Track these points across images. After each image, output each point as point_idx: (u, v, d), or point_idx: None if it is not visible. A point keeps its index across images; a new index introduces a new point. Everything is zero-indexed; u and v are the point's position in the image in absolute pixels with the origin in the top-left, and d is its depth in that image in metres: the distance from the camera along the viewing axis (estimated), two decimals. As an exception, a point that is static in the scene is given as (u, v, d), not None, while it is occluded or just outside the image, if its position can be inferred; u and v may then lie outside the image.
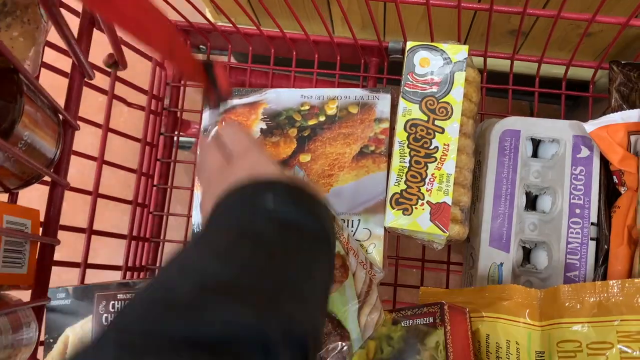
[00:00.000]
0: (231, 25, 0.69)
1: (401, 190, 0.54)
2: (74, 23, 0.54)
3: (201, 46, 0.76)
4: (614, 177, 0.56)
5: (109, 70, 0.65)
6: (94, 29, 0.59)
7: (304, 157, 0.59)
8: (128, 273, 0.67)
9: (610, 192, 0.56)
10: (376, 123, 0.59)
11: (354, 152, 0.59)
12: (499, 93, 0.74)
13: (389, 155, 0.57)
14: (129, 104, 0.67)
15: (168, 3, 0.66)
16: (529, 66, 0.68)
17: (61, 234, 0.55)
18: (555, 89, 0.67)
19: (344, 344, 0.45)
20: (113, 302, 0.55)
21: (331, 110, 0.61)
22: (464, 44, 0.56)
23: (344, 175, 0.58)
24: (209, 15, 0.86)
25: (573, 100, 0.88)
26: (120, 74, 0.67)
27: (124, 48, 0.65)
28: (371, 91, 0.60)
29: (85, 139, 0.64)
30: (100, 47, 0.62)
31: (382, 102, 0.60)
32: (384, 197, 0.56)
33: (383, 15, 0.84)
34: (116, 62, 0.64)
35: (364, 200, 0.56)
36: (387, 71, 0.71)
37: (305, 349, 0.27)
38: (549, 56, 0.64)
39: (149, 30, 0.36)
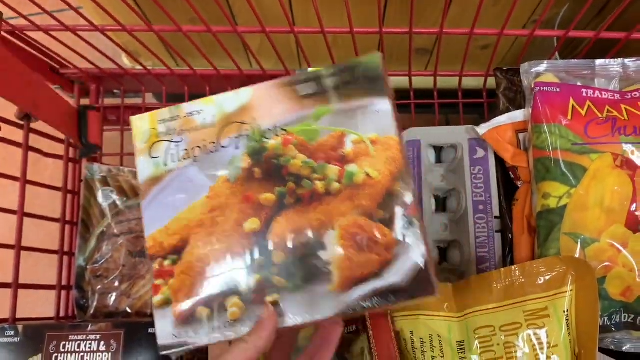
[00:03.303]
0: (142, 68, 0.71)
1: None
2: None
3: (115, 90, 0.78)
4: (510, 173, 0.61)
5: (22, 122, 0.65)
6: None
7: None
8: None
9: (509, 187, 0.61)
10: None
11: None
12: (425, 109, 0.78)
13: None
14: (45, 154, 0.68)
15: (76, 52, 0.68)
16: (449, 82, 0.74)
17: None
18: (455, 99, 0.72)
19: None
20: (64, 342, 0.56)
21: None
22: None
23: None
24: (125, 60, 0.88)
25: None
26: (36, 125, 0.67)
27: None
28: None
29: (10, 197, 0.64)
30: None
31: None
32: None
33: (296, 48, 0.88)
34: (27, 114, 0.64)
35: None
36: (298, 97, 0.75)
37: None
38: (451, 70, 0.70)
39: (9, 83, 0.35)
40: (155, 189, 0.45)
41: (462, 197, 0.60)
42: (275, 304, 0.42)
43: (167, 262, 0.44)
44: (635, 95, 0.56)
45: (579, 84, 0.58)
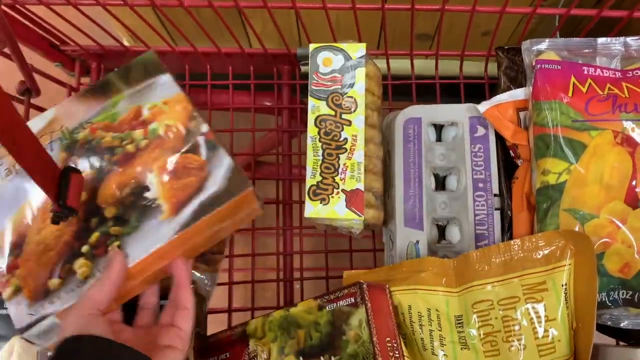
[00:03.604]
0: (143, 45, 0.71)
1: (317, 182, 0.57)
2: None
3: (116, 69, 0.78)
4: (510, 151, 0.61)
5: (22, 98, 0.65)
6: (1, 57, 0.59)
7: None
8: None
9: (509, 165, 0.61)
10: None
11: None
12: (426, 96, 0.78)
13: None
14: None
15: (77, 27, 0.67)
16: (450, 68, 0.73)
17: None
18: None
19: None
20: None
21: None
22: (382, 48, 0.60)
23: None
24: (126, 42, 0.88)
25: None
26: (35, 100, 0.67)
27: (36, 75, 0.66)
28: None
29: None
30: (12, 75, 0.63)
31: None
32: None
33: (297, 30, 0.88)
34: (28, 89, 0.64)
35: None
36: (299, 77, 0.75)
37: None
38: (449, 50, 0.70)
39: None
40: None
41: (462, 175, 0.60)
42: (119, 248, 0.49)
43: (10, 259, 0.51)
44: (637, 73, 0.56)
45: (580, 62, 0.58)
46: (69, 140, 0.54)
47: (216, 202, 0.49)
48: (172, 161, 0.52)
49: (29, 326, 0.48)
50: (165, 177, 0.51)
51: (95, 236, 0.50)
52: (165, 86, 0.55)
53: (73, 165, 0.51)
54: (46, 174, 0.46)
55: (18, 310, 0.49)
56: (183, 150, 0.52)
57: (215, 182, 0.50)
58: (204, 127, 0.52)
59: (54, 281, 0.49)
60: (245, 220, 0.55)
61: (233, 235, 0.81)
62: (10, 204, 0.53)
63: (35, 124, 0.56)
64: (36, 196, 0.53)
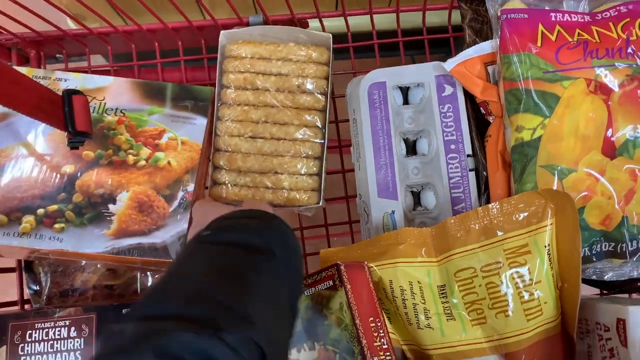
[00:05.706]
0: (82, 27, 0.66)
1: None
2: None
3: (58, 55, 0.72)
4: (481, 109, 0.58)
5: None
6: None
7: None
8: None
9: (481, 123, 0.59)
10: None
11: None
12: (390, 52, 0.74)
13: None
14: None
15: (5, 14, 0.62)
16: (413, 20, 0.70)
17: None
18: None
19: None
20: (30, 331, 0.52)
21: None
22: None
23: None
24: (70, 24, 0.82)
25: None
26: None
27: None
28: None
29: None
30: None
31: None
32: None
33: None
34: None
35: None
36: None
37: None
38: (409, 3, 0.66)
39: None
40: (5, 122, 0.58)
41: (432, 138, 0.57)
42: (60, 230, 0.54)
43: None
44: (606, 15, 0.54)
45: (547, 8, 0.55)
46: (98, 115, 0.58)
47: (150, 252, 0.54)
48: (147, 194, 0.55)
49: None
50: (132, 204, 0.55)
51: (53, 208, 0.55)
52: (195, 128, 0.58)
53: (72, 88, 0.56)
54: (46, 109, 0.49)
55: None
56: (162, 193, 0.56)
57: (161, 237, 0.54)
58: (191, 187, 0.56)
59: (2, 218, 0.54)
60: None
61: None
62: (22, 131, 0.57)
63: (90, 82, 0.60)
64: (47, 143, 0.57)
